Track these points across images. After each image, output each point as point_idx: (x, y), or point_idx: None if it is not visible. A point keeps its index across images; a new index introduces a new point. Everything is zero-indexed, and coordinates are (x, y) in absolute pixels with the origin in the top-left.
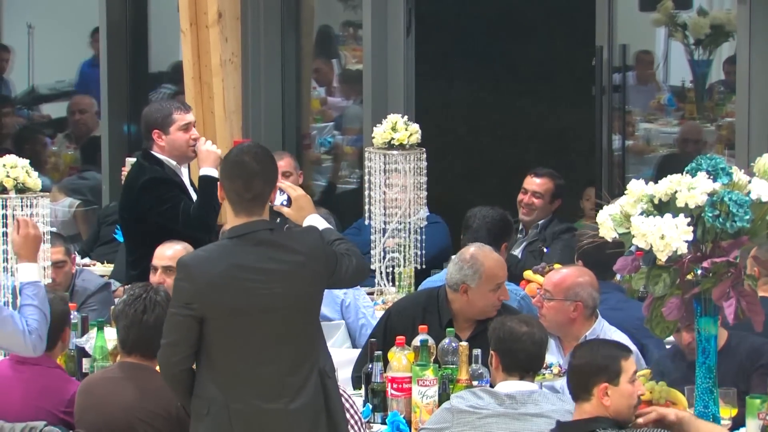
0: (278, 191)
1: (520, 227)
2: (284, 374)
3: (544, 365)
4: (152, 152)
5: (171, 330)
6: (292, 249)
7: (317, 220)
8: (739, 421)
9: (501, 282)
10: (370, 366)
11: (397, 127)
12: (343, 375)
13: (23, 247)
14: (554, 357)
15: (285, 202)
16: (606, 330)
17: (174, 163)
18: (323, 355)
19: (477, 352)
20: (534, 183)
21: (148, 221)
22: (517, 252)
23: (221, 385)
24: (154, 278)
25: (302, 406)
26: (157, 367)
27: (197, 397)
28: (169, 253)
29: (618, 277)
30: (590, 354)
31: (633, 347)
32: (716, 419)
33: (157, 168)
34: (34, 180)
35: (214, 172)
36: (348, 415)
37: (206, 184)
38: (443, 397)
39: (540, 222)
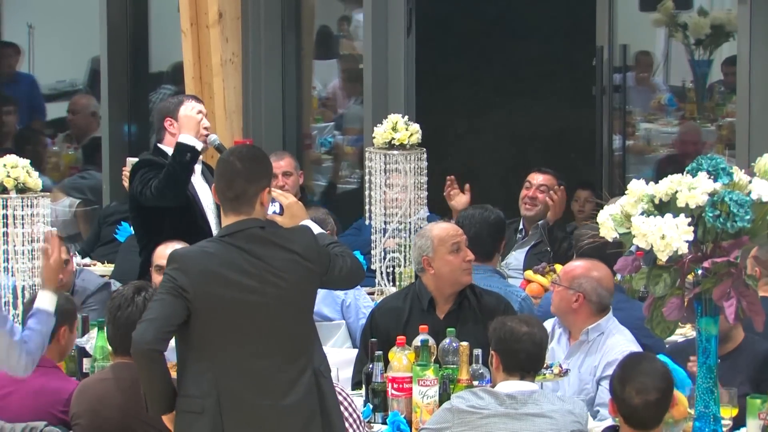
0: (269, 200)
1: (520, 227)
2: (276, 370)
3: (545, 365)
4: (159, 145)
5: (155, 309)
6: (284, 246)
7: (312, 227)
8: (740, 421)
9: (457, 242)
10: (371, 366)
11: (398, 127)
12: (344, 375)
13: (53, 273)
14: (561, 350)
15: (277, 211)
16: (612, 329)
17: None
18: (318, 355)
19: (477, 352)
20: (539, 178)
21: (142, 209)
22: (520, 255)
23: (214, 380)
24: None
25: (295, 403)
26: None
27: (189, 397)
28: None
29: (618, 277)
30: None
31: (635, 347)
32: (717, 419)
33: (151, 155)
34: (35, 180)
35: (190, 140)
36: (347, 414)
37: (176, 150)
38: (444, 397)
39: (540, 222)
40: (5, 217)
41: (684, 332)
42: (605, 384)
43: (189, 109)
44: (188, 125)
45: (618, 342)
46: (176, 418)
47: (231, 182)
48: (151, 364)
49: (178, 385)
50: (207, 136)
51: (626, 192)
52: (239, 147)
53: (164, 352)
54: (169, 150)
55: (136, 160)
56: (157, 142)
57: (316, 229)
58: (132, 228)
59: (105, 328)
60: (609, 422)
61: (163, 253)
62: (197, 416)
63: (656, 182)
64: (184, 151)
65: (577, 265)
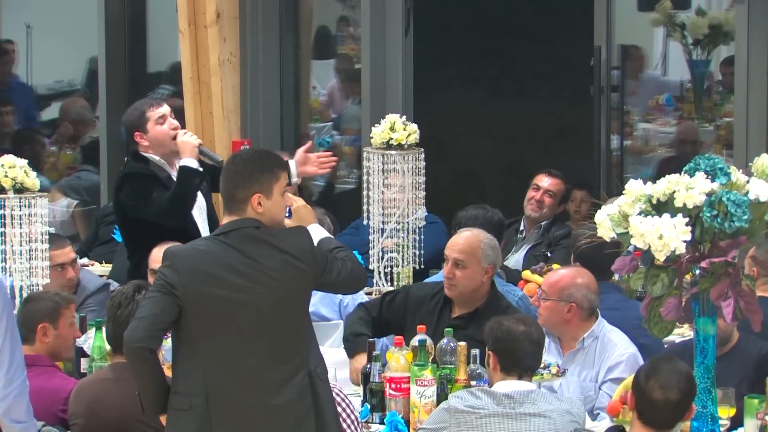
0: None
1: (521, 227)
2: (266, 369)
3: (543, 365)
4: (140, 152)
5: (145, 307)
6: (277, 246)
7: (318, 231)
8: (738, 421)
9: (446, 255)
10: (369, 366)
11: (396, 127)
12: (341, 375)
13: None
14: (553, 358)
15: (286, 214)
16: (606, 331)
17: (157, 159)
18: (314, 357)
19: (475, 352)
20: (548, 182)
21: (130, 218)
22: (519, 256)
23: (202, 378)
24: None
25: (285, 403)
26: None
27: (177, 393)
28: None
29: (616, 277)
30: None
31: (633, 348)
32: (714, 419)
33: (139, 164)
34: (33, 180)
35: (192, 163)
36: (344, 415)
37: (181, 173)
38: (441, 397)
39: (542, 224)
40: (3, 217)
41: (681, 332)
42: (606, 388)
43: (186, 136)
44: (185, 150)
45: (618, 350)
46: (167, 414)
47: (225, 184)
48: (143, 363)
49: (171, 383)
50: (175, 137)
51: (624, 192)
52: (246, 149)
53: (156, 350)
54: (150, 155)
55: None
56: (134, 150)
57: (323, 233)
58: (120, 234)
59: (103, 327)
60: (608, 422)
61: (157, 256)
62: (184, 413)
63: (655, 181)
64: (192, 175)
65: (560, 275)
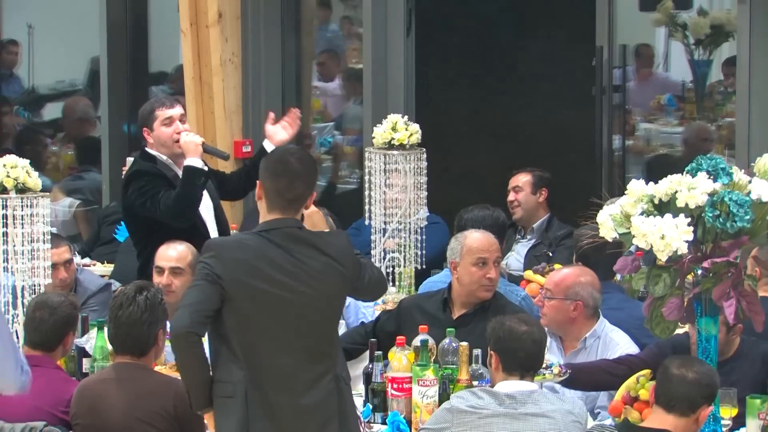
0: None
1: (519, 227)
2: (298, 369)
3: (545, 365)
4: (147, 149)
5: (191, 294)
6: (320, 248)
7: None
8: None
9: (484, 258)
10: (371, 366)
11: (398, 127)
12: None
13: None
14: (554, 357)
15: None
16: (607, 330)
17: (165, 158)
18: (341, 360)
19: (477, 352)
20: (513, 180)
21: (138, 216)
22: (520, 256)
23: (240, 371)
24: (161, 279)
25: (313, 403)
26: (157, 367)
27: (222, 382)
28: (173, 254)
29: (618, 277)
30: (713, 375)
31: (635, 348)
32: (716, 419)
33: (147, 163)
34: (35, 180)
35: (197, 162)
36: None
37: (186, 173)
38: (443, 397)
39: (536, 224)
40: (5, 217)
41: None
42: None
43: (188, 136)
44: (189, 150)
45: (620, 349)
46: (214, 404)
47: (292, 184)
48: (190, 349)
49: (213, 373)
50: (179, 140)
51: (626, 192)
52: (294, 148)
53: (202, 336)
54: (157, 154)
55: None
56: (144, 146)
57: None
58: (128, 232)
59: (105, 327)
60: (608, 422)
61: (164, 254)
62: (230, 400)
63: (646, 182)
64: (196, 174)
65: (564, 274)
